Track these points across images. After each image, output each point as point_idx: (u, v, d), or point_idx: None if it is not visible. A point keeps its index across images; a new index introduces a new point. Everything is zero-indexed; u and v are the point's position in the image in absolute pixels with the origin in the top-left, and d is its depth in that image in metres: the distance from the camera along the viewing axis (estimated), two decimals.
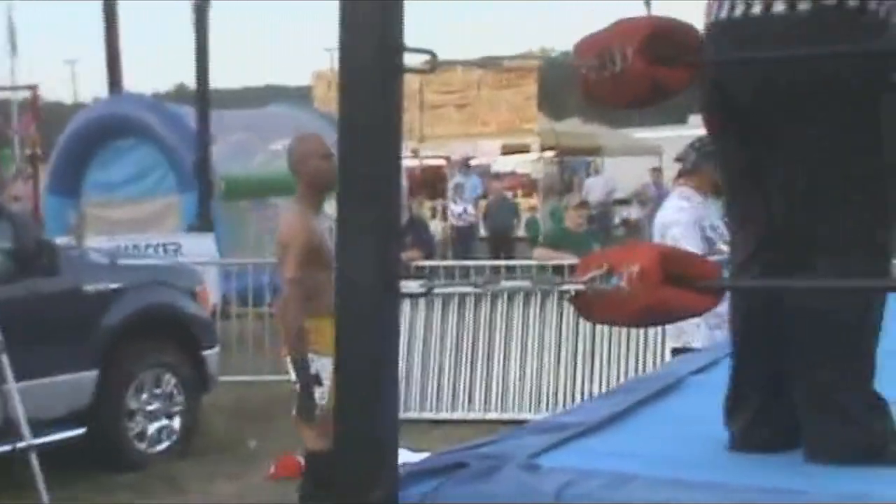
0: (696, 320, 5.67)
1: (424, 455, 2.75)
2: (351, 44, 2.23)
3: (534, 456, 2.52)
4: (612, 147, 27.66)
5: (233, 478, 7.31)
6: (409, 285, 2.43)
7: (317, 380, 5.14)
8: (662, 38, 2.31)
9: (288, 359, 5.37)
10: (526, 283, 2.54)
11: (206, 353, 8.13)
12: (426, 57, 2.25)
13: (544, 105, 24.82)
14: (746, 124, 2.59)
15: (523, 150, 25.76)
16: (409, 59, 2.25)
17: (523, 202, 24.58)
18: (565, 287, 2.44)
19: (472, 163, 24.19)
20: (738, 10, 2.53)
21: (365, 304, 2.22)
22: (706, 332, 5.77)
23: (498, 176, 25.81)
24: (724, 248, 5.77)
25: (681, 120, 33.94)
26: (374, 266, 2.21)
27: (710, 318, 5.71)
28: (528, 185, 26.61)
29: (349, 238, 2.26)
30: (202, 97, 14.43)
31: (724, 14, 2.56)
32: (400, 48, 2.22)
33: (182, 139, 15.22)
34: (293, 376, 5.30)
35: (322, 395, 5.09)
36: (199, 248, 13.03)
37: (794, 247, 2.62)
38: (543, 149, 25.48)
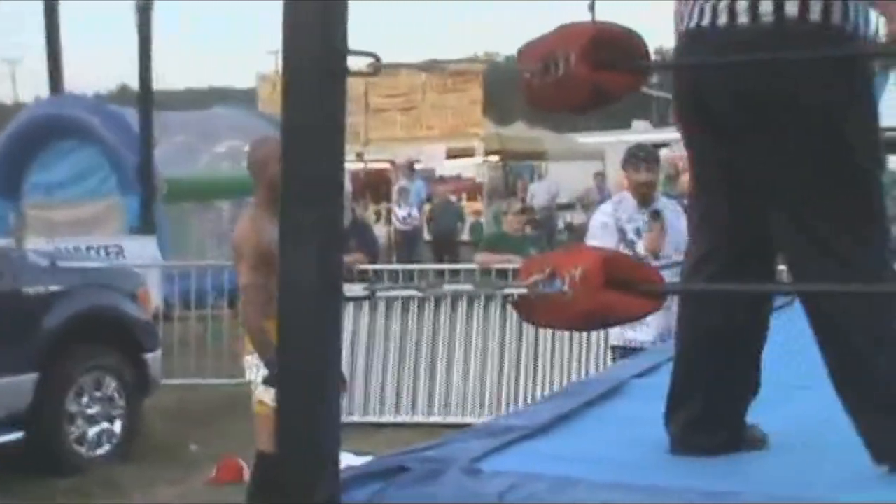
0: None
1: (367, 458, 2.75)
2: (294, 46, 2.22)
3: (476, 460, 2.52)
4: (556, 152, 27.75)
5: (174, 482, 7.24)
6: (353, 288, 2.42)
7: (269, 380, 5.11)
8: (605, 43, 2.32)
9: (245, 360, 5.35)
10: (469, 287, 2.54)
11: (148, 356, 8.05)
12: (370, 60, 2.25)
13: (489, 109, 24.84)
14: (718, 128, 2.64)
15: (468, 154, 25.80)
16: (354, 63, 2.25)
17: (468, 206, 24.62)
18: (508, 291, 2.45)
19: (417, 167, 24.17)
20: (706, 21, 2.59)
21: (307, 307, 2.21)
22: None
23: (443, 180, 25.81)
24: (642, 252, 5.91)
25: (625, 125, 34.20)
26: (316, 269, 2.20)
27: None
28: (473, 189, 26.63)
29: (292, 241, 2.24)
30: (145, 98, 14.33)
31: (693, 24, 2.62)
32: (343, 51, 2.21)
33: (124, 141, 15.09)
34: (250, 376, 5.29)
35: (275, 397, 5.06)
36: (142, 251, 12.93)
37: (754, 246, 2.67)
38: (488, 153, 25.53)
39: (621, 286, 2.28)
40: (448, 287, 2.75)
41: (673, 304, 3.12)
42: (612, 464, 2.60)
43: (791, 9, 2.49)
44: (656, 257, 5.86)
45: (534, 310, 2.40)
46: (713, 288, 2.61)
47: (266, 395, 4.97)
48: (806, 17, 2.49)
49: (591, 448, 2.75)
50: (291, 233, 2.25)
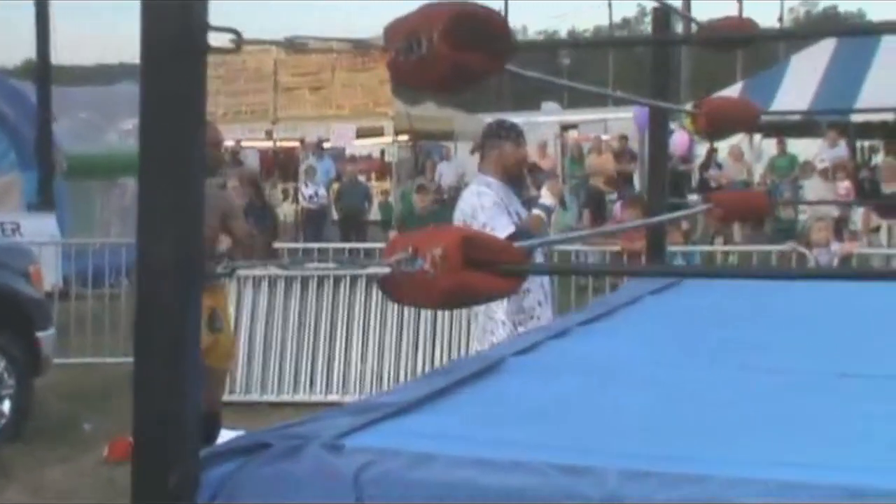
0: (501, 317, 5.72)
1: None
2: (153, 20, 2.20)
3: (340, 436, 2.52)
4: (465, 132, 27.77)
5: (64, 461, 7.17)
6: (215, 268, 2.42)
7: None
8: (466, 23, 2.34)
9: None
10: (331, 266, 2.54)
11: (40, 334, 7.94)
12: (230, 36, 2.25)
13: (399, 89, 24.83)
14: None
15: (378, 133, 25.76)
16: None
17: (377, 185, 24.63)
18: (371, 271, 2.46)
19: (327, 146, 24.09)
20: None
21: (164, 286, 2.20)
22: (511, 330, 5.67)
23: (353, 159, 25.76)
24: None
25: (535, 107, 34.38)
26: (174, 249, 2.20)
27: (517, 314, 5.77)
28: (382, 169, 26.61)
29: (149, 220, 2.23)
30: (42, 73, 14.08)
31: None
32: (204, 27, 2.20)
33: (24, 116, 14.87)
34: None
35: None
36: (40, 228, 12.75)
37: None
38: (398, 133, 25.51)
39: (481, 265, 2.30)
40: (311, 265, 2.75)
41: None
42: (478, 440, 2.61)
43: None
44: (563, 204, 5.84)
45: (398, 289, 2.42)
46: (564, 268, 2.64)
47: None
48: None
49: (459, 425, 2.76)
50: (149, 213, 2.23)
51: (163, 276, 2.20)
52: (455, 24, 2.31)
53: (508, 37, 2.44)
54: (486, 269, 2.31)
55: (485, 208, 5.84)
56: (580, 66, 60.23)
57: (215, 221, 6.10)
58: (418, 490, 2.21)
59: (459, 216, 5.96)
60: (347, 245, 13.22)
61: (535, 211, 5.99)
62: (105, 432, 7.55)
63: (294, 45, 2.30)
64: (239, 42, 2.26)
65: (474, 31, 2.34)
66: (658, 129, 5.15)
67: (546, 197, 5.85)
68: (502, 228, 5.55)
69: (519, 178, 6.00)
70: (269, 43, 2.23)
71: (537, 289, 5.73)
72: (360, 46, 2.52)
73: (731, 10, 17.34)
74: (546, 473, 2.34)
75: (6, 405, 7.66)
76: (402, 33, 2.42)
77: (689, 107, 5.34)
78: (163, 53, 2.20)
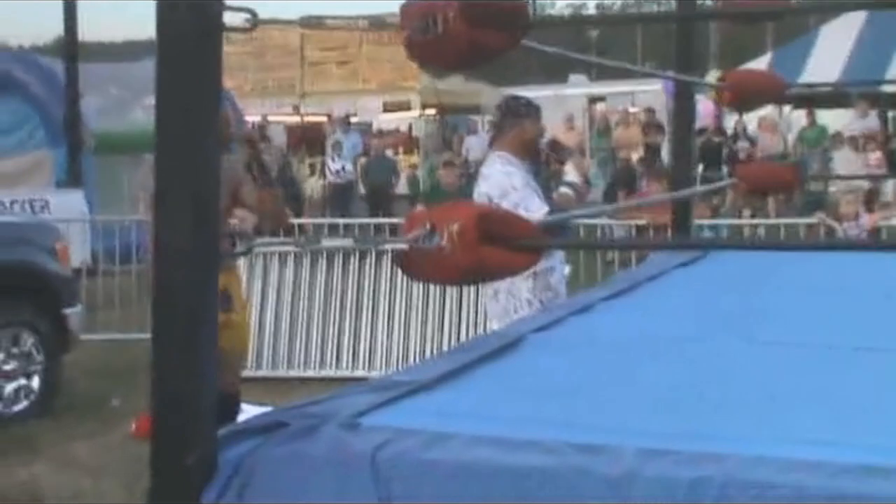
0: (526, 295, 5.64)
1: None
2: (168, 1, 2.21)
3: (358, 415, 2.53)
4: (492, 106, 27.68)
5: (92, 437, 7.22)
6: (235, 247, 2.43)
7: None
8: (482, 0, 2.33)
9: None
10: (347, 242, 2.54)
11: (68, 311, 7.99)
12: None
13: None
14: None
15: (405, 107, 25.74)
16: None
17: (404, 160, 24.60)
18: (386, 246, 2.46)
19: (354, 120, 24.08)
20: None
21: (181, 266, 2.21)
22: (540, 308, 5.47)
23: (380, 133, 25.76)
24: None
25: (562, 80, 34.24)
26: (191, 229, 2.20)
27: (544, 291, 5.68)
28: (409, 143, 26.59)
29: (167, 201, 2.24)
30: (70, 49, 14.13)
31: None
32: (219, 6, 2.20)
33: (53, 93, 14.93)
34: None
35: None
36: (68, 205, 12.81)
37: None
38: (425, 107, 25.48)
39: (497, 241, 2.30)
40: (326, 243, 2.75)
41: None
42: (495, 419, 2.61)
43: None
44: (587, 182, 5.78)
45: (414, 265, 2.42)
46: (581, 243, 2.63)
47: None
48: None
49: (477, 403, 2.76)
50: (166, 192, 2.24)
51: (179, 259, 2.21)
52: (471, 2, 2.31)
53: (525, 13, 2.43)
54: (502, 245, 2.30)
55: (517, 189, 5.64)
56: (608, 38, 59.88)
57: (226, 197, 6.07)
58: (435, 469, 2.21)
59: (485, 195, 5.70)
60: (374, 220, 13.23)
61: (563, 189, 5.94)
62: (132, 408, 7.57)
63: (310, 24, 2.30)
64: (254, 22, 2.26)
65: (490, 8, 2.34)
66: (684, 102, 5.12)
67: (571, 174, 5.81)
68: (537, 209, 5.40)
69: (535, 154, 5.89)
70: (284, 22, 2.23)
71: (560, 265, 5.67)
72: (376, 25, 2.51)
73: None
74: (563, 452, 2.34)
75: (35, 381, 7.72)
76: (418, 12, 2.42)
77: (713, 80, 5.30)
78: (178, 33, 2.20)
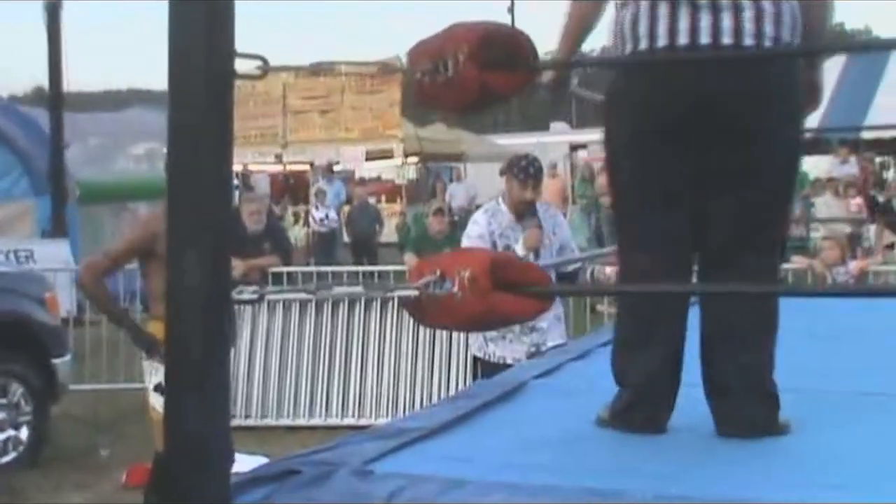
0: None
1: (260, 458, 2.73)
2: (180, 47, 2.20)
3: (368, 462, 2.52)
4: (475, 153, 27.80)
5: (82, 487, 7.15)
6: (244, 292, 2.41)
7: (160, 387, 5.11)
8: (493, 43, 2.33)
9: (143, 364, 5.35)
10: (358, 289, 2.53)
11: (56, 361, 7.93)
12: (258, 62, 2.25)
13: (408, 111, 24.86)
14: (684, 143, 2.78)
15: (387, 155, 25.76)
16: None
17: (387, 208, 24.60)
18: (398, 293, 2.45)
19: (337, 168, 24.09)
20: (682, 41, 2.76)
21: (195, 310, 2.20)
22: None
23: (363, 182, 25.75)
24: None
25: (543, 127, 34.40)
26: (203, 272, 2.19)
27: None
28: (392, 191, 26.62)
29: (179, 245, 2.23)
30: (55, 99, 14.13)
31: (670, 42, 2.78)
32: (231, 53, 2.20)
33: (36, 142, 14.89)
34: (146, 381, 5.31)
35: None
36: (53, 254, 12.74)
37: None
38: (407, 154, 25.51)
39: (509, 287, 2.29)
40: (338, 290, 2.73)
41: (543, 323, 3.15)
42: (505, 464, 2.60)
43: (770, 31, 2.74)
44: (536, 255, 5.81)
45: (425, 311, 2.40)
46: (595, 289, 2.63)
47: (157, 402, 4.99)
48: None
49: (486, 449, 2.75)
50: (179, 238, 2.23)
51: (192, 300, 2.19)
52: (483, 45, 2.31)
53: (535, 55, 2.44)
54: (515, 292, 2.30)
55: (470, 238, 6.01)
56: (589, 83, 60.14)
57: None
58: None
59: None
60: (360, 268, 13.20)
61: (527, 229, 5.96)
62: (121, 458, 7.52)
63: (322, 70, 2.30)
64: (266, 69, 2.26)
65: (501, 51, 2.34)
66: None
67: (520, 249, 5.81)
68: None
69: (523, 215, 5.97)
70: (296, 69, 2.23)
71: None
72: (386, 71, 2.51)
73: None
74: (580, 497, 2.33)
75: (24, 432, 7.64)
76: (427, 55, 2.41)
77: None
78: (190, 80, 2.20)
